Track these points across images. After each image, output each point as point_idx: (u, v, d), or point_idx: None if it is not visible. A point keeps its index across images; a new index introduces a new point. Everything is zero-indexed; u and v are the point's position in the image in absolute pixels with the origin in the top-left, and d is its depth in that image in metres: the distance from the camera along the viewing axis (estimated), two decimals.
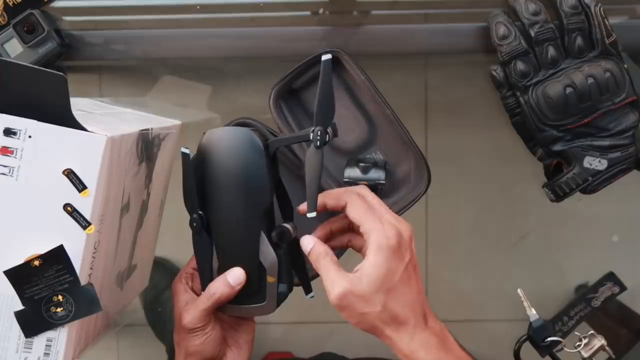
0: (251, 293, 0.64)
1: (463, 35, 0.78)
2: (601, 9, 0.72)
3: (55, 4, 0.79)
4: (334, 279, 0.58)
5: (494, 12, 0.74)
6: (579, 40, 0.73)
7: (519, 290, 0.80)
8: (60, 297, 0.56)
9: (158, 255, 0.83)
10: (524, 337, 0.80)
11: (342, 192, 0.63)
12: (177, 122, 0.79)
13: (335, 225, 0.65)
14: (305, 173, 0.61)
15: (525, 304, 0.80)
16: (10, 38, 0.76)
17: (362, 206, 0.61)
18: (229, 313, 0.66)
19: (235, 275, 0.63)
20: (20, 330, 0.56)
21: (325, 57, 0.59)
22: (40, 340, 0.57)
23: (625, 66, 0.74)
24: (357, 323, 0.59)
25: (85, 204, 0.55)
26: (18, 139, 0.54)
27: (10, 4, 0.76)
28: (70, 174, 0.54)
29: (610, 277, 0.90)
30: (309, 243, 0.62)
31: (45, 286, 0.56)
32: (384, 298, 0.57)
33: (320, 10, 0.84)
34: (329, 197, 0.63)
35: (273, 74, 0.78)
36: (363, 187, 0.64)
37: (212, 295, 0.63)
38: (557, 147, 0.75)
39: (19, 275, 0.55)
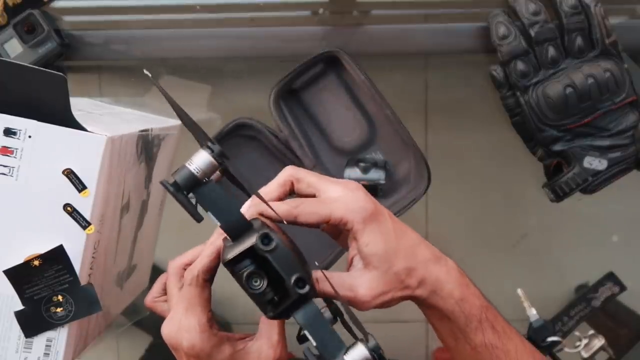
0: None
1: (463, 35, 0.78)
2: (601, 9, 0.72)
3: (55, 4, 0.79)
4: (349, 284, 0.52)
5: (494, 12, 0.74)
6: (579, 40, 0.73)
7: (519, 290, 0.80)
8: (60, 297, 0.56)
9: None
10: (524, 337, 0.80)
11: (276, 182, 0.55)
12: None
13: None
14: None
15: (525, 304, 0.80)
16: (10, 38, 0.76)
17: (309, 175, 0.55)
18: None
19: None
20: (20, 330, 0.56)
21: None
22: (40, 340, 0.57)
23: (625, 66, 0.74)
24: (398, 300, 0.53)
25: (85, 204, 0.55)
26: (18, 139, 0.54)
27: (10, 4, 0.76)
28: (70, 174, 0.54)
29: (610, 277, 0.90)
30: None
31: (45, 286, 0.56)
32: (400, 268, 0.52)
33: (320, 10, 0.84)
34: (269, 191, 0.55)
35: (273, 74, 0.78)
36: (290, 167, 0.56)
37: None
38: (557, 147, 0.75)
39: (18, 275, 0.55)
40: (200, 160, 0.46)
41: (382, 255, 0.52)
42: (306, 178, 0.55)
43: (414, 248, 0.53)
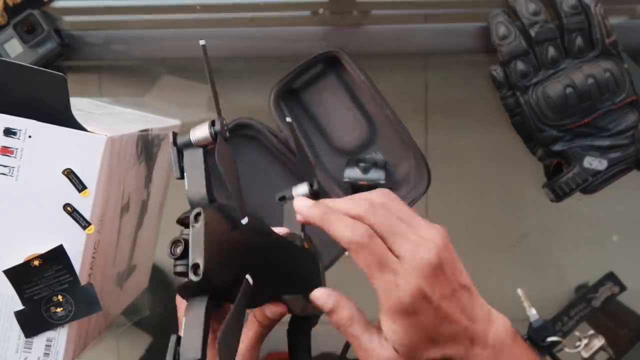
0: None
1: (463, 35, 0.78)
2: (601, 9, 0.72)
3: (55, 4, 0.79)
4: (372, 351, 0.48)
5: (494, 12, 0.74)
6: (579, 40, 0.73)
7: (519, 290, 0.80)
8: (60, 297, 0.56)
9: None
10: (524, 337, 0.80)
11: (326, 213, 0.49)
12: (177, 122, 0.79)
13: None
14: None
15: (525, 304, 0.80)
16: (10, 38, 0.76)
17: (366, 252, 0.47)
18: None
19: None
20: (20, 330, 0.56)
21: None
22: (40, 340, 0.57)
23: (626, 66, 0.74)
24: None
25: (85, 204, 0.55)
26: (18, 139, 0.54)
27: (10, 4, 0.76)
28: (70, 174, 0.54)
29: (610, 277, 0.90)
30: (327, 300, 0.49)
31: (45, 286, 0.56)
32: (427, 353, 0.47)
33: (320, 10, 0.84)
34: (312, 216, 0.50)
35: (273, 74, 0.78)
36: (378, 194, 0.50)
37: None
38: (557, 147, 0.75)
39: (18, 275, 0.55)
40: (200, 129, 0.49)
41: (409, 345, 0.47)
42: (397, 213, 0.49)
43: (455, 338, 0.47)
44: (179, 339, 0.44)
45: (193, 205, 0.48)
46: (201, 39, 0.53)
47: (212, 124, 0.49)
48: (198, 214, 0.46)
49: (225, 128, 0.49)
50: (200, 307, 0.45)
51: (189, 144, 0.49)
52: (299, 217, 0.50)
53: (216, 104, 0.50)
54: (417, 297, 0.45)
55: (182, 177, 0.49)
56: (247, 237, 0.48)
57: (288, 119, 0.70)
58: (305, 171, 0.58)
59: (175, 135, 0.50)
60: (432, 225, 0.50)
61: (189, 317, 0.45)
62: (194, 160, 0.49)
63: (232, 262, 0.46)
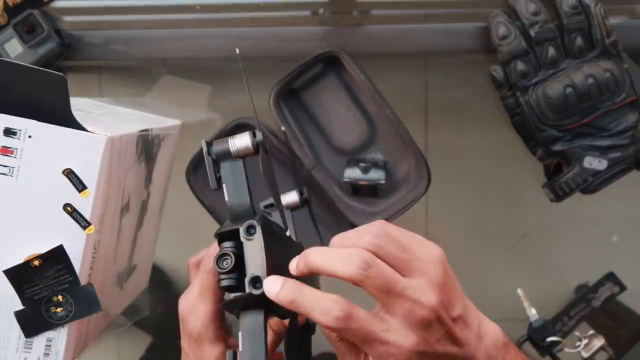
0: None
1: (463, 35, 0.78)
2: (601, 9, 0.72)
3: (55, 4, 0.79)
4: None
5: (494, 12, 0.74)
6: (579, 40, 0.73)
7: (519, 290, 0.80)
8: (60, 297, 0.56)
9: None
10: (524, 337, 0.80)
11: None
12: (177, 122, 0.79)
13: None
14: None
15: (525, 304, 0.80)
16: (10, 38, 0.76)
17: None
18: None
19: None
20: (20, 330, 0.56)
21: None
22: (40, 340, 0.57)
23: (625, 66, 0.74)
24: None
25: (85, 204, 0.55)
26: (18, 139, 0.54)
27: (10, 4, 0.76)
28: (70, 174, 0.54)
29: (610, 277, 0.90)
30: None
31: (45, 286, 0.56)
32: None
33: (320, 10, 0.84)
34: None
35: (273, 74, 0.78)
36: (370, 236, 0.45)
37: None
38: (557, 147, 0.75)
39: (18, 275, 0.55)
40: (241, 139, 0.50)
41: None
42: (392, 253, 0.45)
43: None
44: (234, 354, 0.44)
45: (237, 217, 0.47)
46: (236, 48, 0.55)
47: (254, 134, 0.49)
48: (251, 227, 0.46)
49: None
50: (258, 321, 0.45)
51: (228, 155, 0.49)
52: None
53: (255, 114, 0.51)
54: (414, 357, 0.45)
55: (219, 188, 0.49)
56: (288, 247, 0.49)
57: (283, 128, 0.70)
58: (295, 179, 0.57)
59: (209, 145, 0.49)
60: (431, 253, 0.47)
61: (246, 331, 0.45)
62: (235, 171, 0.49)
63: (284, 273, 0.46)
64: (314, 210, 0.73)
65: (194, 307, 0.56)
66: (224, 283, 0.46)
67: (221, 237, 0.47)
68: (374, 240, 0.45)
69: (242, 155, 0.49)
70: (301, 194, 0.59)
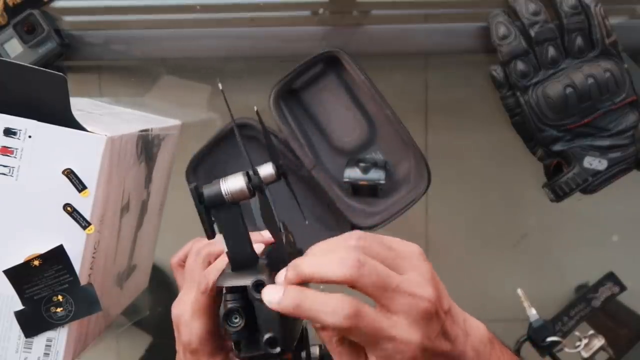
0: None
1: (463, 35, 0.78)
2: (601, 9, 0.72)
3: (55, 4, 0.79)
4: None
5: (494, 12, 0.74)
6: (579, 40, 0.73)
7: (519, 290, 0.80)
8: (60, 297, 0.56)
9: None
10: (524, 337, 0.80)
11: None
12: (177, 122, 0.79)
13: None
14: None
15: (525, 304, 0.80)
16: (10, 38, 0.76)
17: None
18: None
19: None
20: (20, 330, 0.56)
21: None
22: (40, 340, 0.57)
23: (625, 66, 0.74)
24: None
25: (85, 204, 0.55)
26: (18, 139, 0.54)
27: (10, 4, 0.76)
28: (70, 174, 0.54)
29: (610, 277, 0.90)
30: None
31: (45, 286, 0.56)
32: None
33: (320, 10, 0.84)
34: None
35: (273, 74, 0.78)
36: (355, 242, 0.45)
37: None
38: (557, 147, 0.75)
39: (18, 275, 0.55)
40: (234, 183, 0.46)
41: None
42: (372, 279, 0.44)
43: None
44: None
45: (239, 267, 0.46)
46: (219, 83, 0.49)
47: (248, 176, 0.46)
48: (260, 284, 0.44)
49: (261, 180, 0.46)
50: None
51: (221, 201, 0.45)
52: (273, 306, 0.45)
53: (270, 152, 0.46)
54: (420, 354, 0.44)
55: (213, 237, 0.46)
56: None
57: (256, 108, 0.65)
58: (271, 153, 0.52)
59: (197, 190, 0.45)
60: (413, 250, 0.47)
61: None
62: (230, 218, 0.46)
63: (295, 323, 0.46)
64: (312, 209, 0.73)
65: (190, 324, 0.54)
66: (236, 338, 0.45)
67: (226, 290, 0.46)
68: (360, 242, 0.44)
69: (237, 200, 0.45)
70: (277, 167, 0.55)
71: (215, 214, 0.46)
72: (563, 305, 0.90)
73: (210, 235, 0.47)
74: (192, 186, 0.46)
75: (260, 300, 0.43)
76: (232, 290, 0.45)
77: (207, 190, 0.45)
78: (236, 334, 0.45)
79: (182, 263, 0.61)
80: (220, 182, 0.45)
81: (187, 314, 0.54)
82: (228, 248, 0.46)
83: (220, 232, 0.46)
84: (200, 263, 0.56)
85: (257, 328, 0.45)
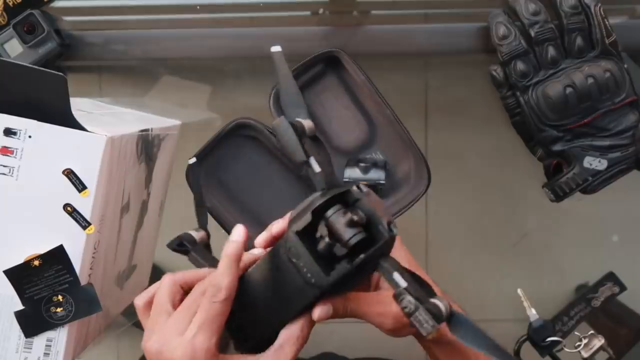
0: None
1: (463, 35, 0.78)
2: (601, 9, 0.72)
3: (55, 4, 0.79)
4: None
5: (494, 12, 0.74)
6: (579, 40, 0.73)
7: (519, 290, 0.80)
8: (60, 297, 0.56)
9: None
10: (524, 337, 0.80)
11: None
12: (177, 122, 0.79)
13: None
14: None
15: (525, 304, 0.80)
16: (10, 38, 0.76)
17: None
18: None
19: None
20: (20, 330, 0.56)
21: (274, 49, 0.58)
22: (40, 340, 0.57)
23: (625, 66, 0.74)
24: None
25: (85, 204, 0.55)
26: (18, 139, 0.54)
27: (10, 4, 0.76)
28: (70, 174, 0.54)
29: (610, 277, 0.90)
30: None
31: (45, 286, 0.56)
32: None
33: (320, 10, 0.84)
34: None
35: (273, 74, 0.78)
36: None
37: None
38: (557, 147, 0.75)
39: (18, 275, 0.55)
40: (307, 123, 0.60)
41: None
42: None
43: None
44: None
45: (331, 185, 0.52)
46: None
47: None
48: (358, 186, 0.47)
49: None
50: (394, 261, 0.47)
51: (309, 132, 0.59)
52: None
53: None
54: None
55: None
56: None
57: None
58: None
59: (292, 124, 0.57)
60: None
61: (393, 267, 0.47)
62: (317, 145, 0.58)
63: None
64: None
65: (193, 341, 0.49)
66: (358, 238, 0.45)
67: (322, 209, 0.46)
68: None
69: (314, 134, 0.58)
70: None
71: (306, 141, 0.56)
72: (563, 305, 0.90)
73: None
74: (289, 120, 0.56)
75: (367, 193, 0.46)
76: (331, 202, 0.46)
77: (298, 125, 0.56)
78: (358, 233, 0.45)
79: (150, 304, 0.55)
80: (302, 122, 0.57)
81: (188, 336, 0.49)
82: (322, 168, 0.54)
83: (310, 156, 0.56)
84: (168, 290, 0.53)
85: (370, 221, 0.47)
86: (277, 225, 0.54)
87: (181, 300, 0.53)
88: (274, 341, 0.50)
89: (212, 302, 0.49)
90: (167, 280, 0.54)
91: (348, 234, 0.45)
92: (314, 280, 0.46)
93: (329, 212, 0.46)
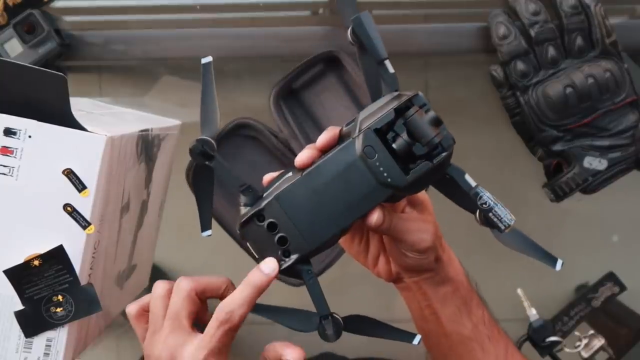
0: None
1: (463, 35, 0.78)
2: (601, 8, 0.72)
3: (55, 4, 0.79)
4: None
5: (494, 12, 0.74)
6: (579, 40, 0.73)
7: (519, 290, 0.80)
8: (60, 297, 0.56)
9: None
10: (524, 337, 0.80)
11: None
12: (177, 122, 0.79)
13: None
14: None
15: (525, 304, 0.80)
16: (10, 38, 0.76)
17: None
18: None
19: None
20: (20, 330, 0.56)
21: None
22: (40, 340, 0.57)
23: (626, 66, 0.74)
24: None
25: (85, 204, 0.55)
26: (18, 139, 0.54)
27: (10, 4, 0.76)
28: (70, 174, 0.54)
29: (610, 277, 0.90)
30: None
31: (45, 286, 0.56)
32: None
33: (320, 10, 0.84)
34: None
35: (273, 74, 0.78)
36: None
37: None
38: (557, 147, 0.75)
39: (18, 275, 0.55)
40: None
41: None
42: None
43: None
44: None
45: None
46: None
47: None
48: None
49: None
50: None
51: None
52: None
53: None
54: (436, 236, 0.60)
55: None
56: None
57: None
58: None
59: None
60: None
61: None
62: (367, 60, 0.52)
63: None
64: None
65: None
66: (443, 135, 0.48)
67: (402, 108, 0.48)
68: None
69: None
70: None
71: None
72: (563, 305, 0.90)
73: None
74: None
75: (418, 108, 0.47)
76: (410, 101, 0.48)
77: None
78: (442, 134, 0.48)
79: (144, 312, 0.56)
80: None
81: (182, 351, 0.51)
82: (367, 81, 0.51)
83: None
84: (184, 298, 0.53)
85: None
86: (323, 138, 0.52)
87: (196, 313, 0.53)
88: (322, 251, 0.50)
89: (221, 329, 0.50)
90: (184, 288, 0.53)
91: (432, 132, 0.47)
92: (390, 180, 0.47)
93: (411, 111, 0.47)
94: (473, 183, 0.48)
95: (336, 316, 0.51)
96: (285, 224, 0.49)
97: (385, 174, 0.47)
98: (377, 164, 0.47)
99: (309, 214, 0.49)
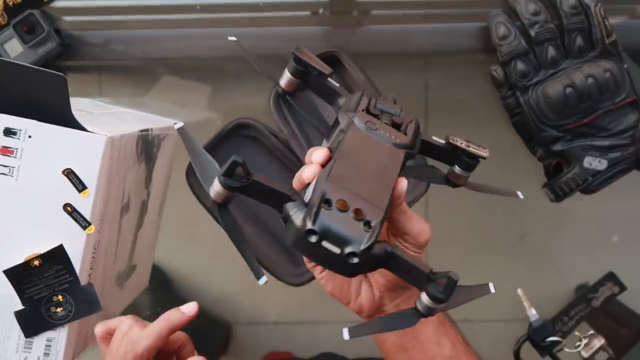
0: None
1: (463, 35, 0.78)
2: (601, 9, 0.72)
3: (55, 4, 0.79)
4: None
5: (494, 12, 0.74)
6: (579, 40, 0.73)
7: (519, 290, 0.80)
8: (60, 297, 0.56)
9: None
10: (524, 337, 0.80)
11: None
12: (178, 122, 0.79)
13: None
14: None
15: (525, 304, 0.80)
16: (10, 38, 0.76)
17: None
18: None
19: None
20: (20, 330, 0.56)
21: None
22: (40, 340, 0.57)
23: (625, 66, 0.74)
24: None
25: (85, 204, 0.55)
26: (18, 139, 0.54)
27: (10, 4, 0.76)
28: (70, 174, 0.54)
29: (610, 277, 0.90)
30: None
31: (45, 286, 0.56)
32: None
33: (320, 10, 0.84)
34: None
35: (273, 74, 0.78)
36: None
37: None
38: (557, 147, 0.75)
39: (18, 275, 0.55)
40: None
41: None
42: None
43: None
44: None
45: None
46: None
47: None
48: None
49: None
50: None
51: None
52: None
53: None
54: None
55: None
56: None
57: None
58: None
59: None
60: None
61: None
62: None
63: None
64: None
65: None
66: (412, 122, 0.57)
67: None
68: None
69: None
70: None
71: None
72: (563, 305, 0.90)
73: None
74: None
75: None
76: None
77: None
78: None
79: (108, 335, 0.58)
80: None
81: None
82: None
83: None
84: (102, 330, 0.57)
85: None
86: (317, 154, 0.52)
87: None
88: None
89: (126, 356, 0.54)
90: (125, 331, 0.56)
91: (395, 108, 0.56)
92: (399, 140, 0.54)
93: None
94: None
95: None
96: (351, 198, 0.47)
97: (392, 137, 0.54)
98: (383, 131, 0.53)
99: (361, 182, 0.49)
